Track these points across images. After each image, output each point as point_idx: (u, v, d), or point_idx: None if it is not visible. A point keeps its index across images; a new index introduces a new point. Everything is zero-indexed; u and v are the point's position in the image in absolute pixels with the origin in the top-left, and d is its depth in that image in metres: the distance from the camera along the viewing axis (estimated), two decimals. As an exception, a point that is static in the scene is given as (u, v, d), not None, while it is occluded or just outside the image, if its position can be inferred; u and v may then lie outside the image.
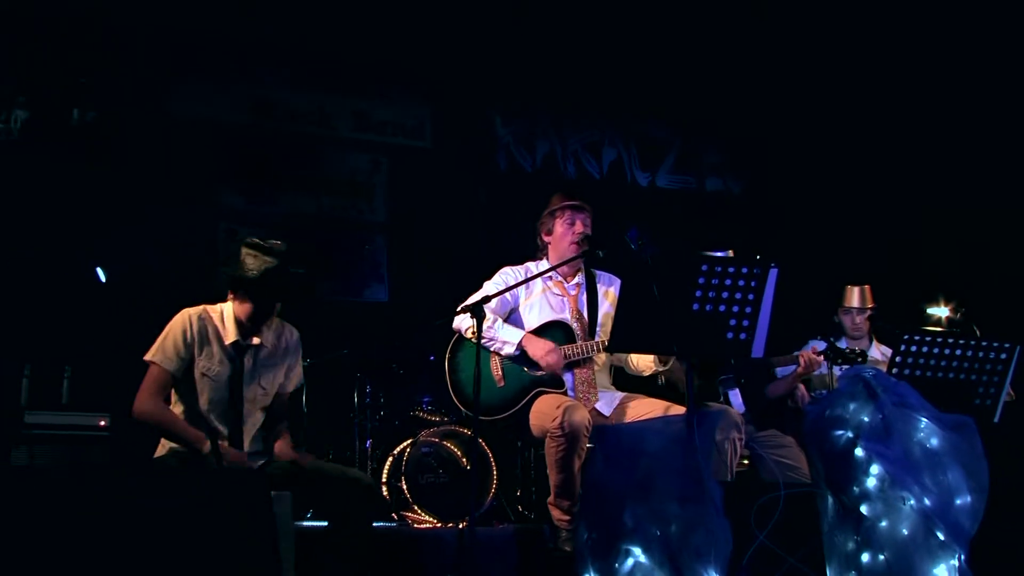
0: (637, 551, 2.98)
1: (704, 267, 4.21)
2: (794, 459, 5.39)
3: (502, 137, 8.87)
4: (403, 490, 6.50)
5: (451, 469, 6.75)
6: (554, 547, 4.91)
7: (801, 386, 6.37)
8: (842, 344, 6.26)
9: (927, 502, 3.00)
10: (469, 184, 8.53)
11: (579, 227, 5.29)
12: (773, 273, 4.27)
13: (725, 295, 4.22)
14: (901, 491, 3.03)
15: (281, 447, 4.56)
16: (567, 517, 4.83)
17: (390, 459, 6.74)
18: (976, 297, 6.39)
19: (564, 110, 9.04)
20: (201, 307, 4.55)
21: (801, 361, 5.97)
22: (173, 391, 4.50)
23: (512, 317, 5.33)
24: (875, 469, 3.09)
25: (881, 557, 3.08)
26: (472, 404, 5.04)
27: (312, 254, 8.02)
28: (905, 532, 3.05)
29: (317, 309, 4.78)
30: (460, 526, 6.46)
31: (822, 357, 5.90)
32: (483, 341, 5.07)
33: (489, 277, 5.47)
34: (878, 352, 6.43)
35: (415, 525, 6.44)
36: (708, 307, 4.22)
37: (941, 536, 2.98)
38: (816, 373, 6.25)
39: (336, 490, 4.30)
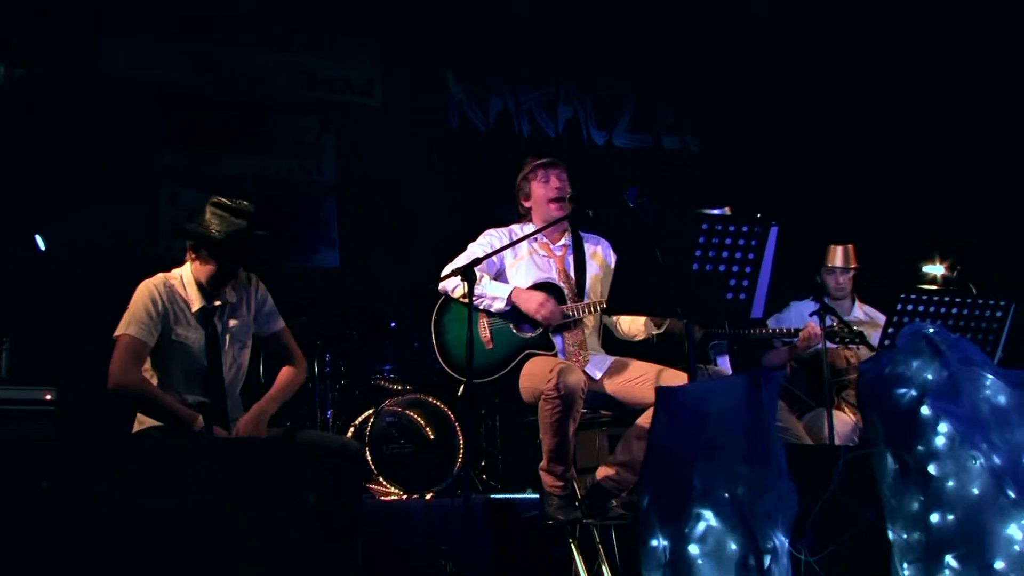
0: (708, 514, 2.96)
1: (704, 226, 4.23)
2: (785, 421, 5.46)
3: (454, 95, 8.74)
4: (367, 461, 6.42)
5: (416, 439, 6.70)
6: (543, 515, 4.91)
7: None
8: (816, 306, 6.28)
9: (996, 460, 3.02)
10: (421, 144, 8.41)
11: (555, 183, 5.28)
12: (773, 232, 4.31)
13: (725, 255, 4.27)
14: (971, 449, 3.06)
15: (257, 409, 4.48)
16: (560, 483, 4.81)
17: (352, 429, 6.66)
18: (971, 254, 6.46)
19: (518, 66, 8.92)
20: (160, 276, 4.41)
21: (802, 336, 6.03)
22: (150, 365, 4.36)
23: (499, 279, 5.27)
24: (943, 427, 3.09)
25: (951, 517, 3.09)
26: (460, 367, 5.03)
27: (274, 217, 7.92)
28: (975, 491, 3.06)
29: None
30: (427, 498, 6.44)
31: (818, 331, 5.92)
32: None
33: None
34: (860, 312, 6.47)
35: (380, 497, 6.40)
36: (708, 267, 4.26)
37: (1012, 494, 3.02)
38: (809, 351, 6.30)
39: (321, 460, 4.21)
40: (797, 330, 6.11)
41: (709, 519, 2.96)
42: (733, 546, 2.93)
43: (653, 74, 9.18)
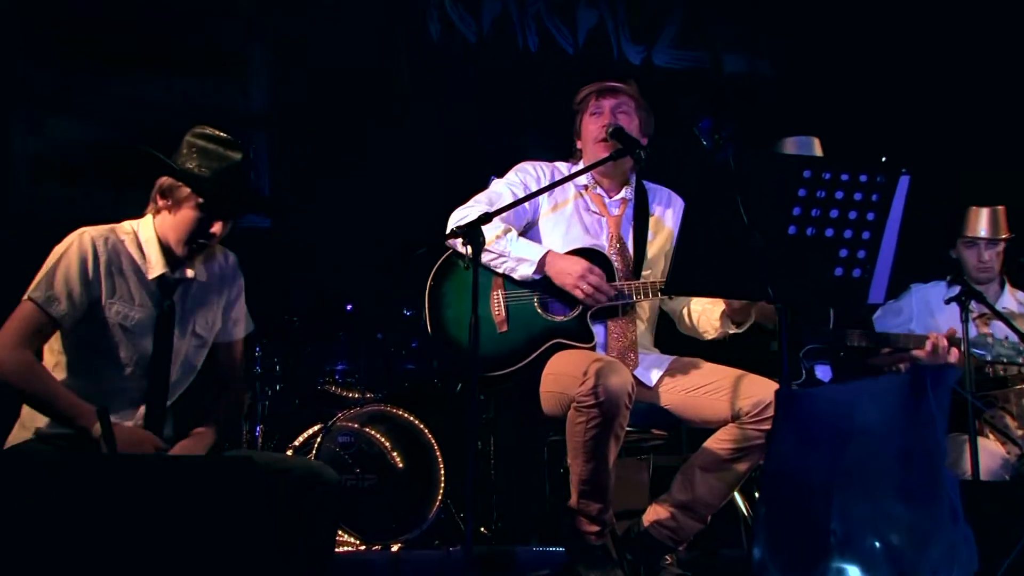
0: (853, 571, 2.93)
1: (807, 174, 4.19)
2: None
3: (436, -7, 8.73)
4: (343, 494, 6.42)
5: (378, 467, 6.74)
6: (569, 571, 4.89)
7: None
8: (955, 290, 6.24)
9: None
10: (387, 59, 8.38)
11: (607, 116, 5.22)
12: (903, 183, 4.27)
13: (835, 214, 4.23)
14: None
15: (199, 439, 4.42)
16: (596, 528, 4.79)
17: (289, 452, 6.66)
18: None
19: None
20: (107, 227, 4.34)
21: (928, 345, 5.94)
22: (64, 350, 4.29)
23: (528, 234, 5.24)
24: None
25: None
26: (460, 351, 4.99)
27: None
28: None
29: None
30: (394, 549, 6.44)
31: (953, 347, 5.85)
32: (488, 259, 4.98)
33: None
34: (1012, 300, 6.43)
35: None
36: (811, 230, 4.22)
37: None
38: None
39: (288, 489, 4.18)
40: (923, 336, 6.02)
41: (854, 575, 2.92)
42: (888, 617, 2.90)
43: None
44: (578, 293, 4.93)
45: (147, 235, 4.36)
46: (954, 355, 5.84)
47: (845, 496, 3.00)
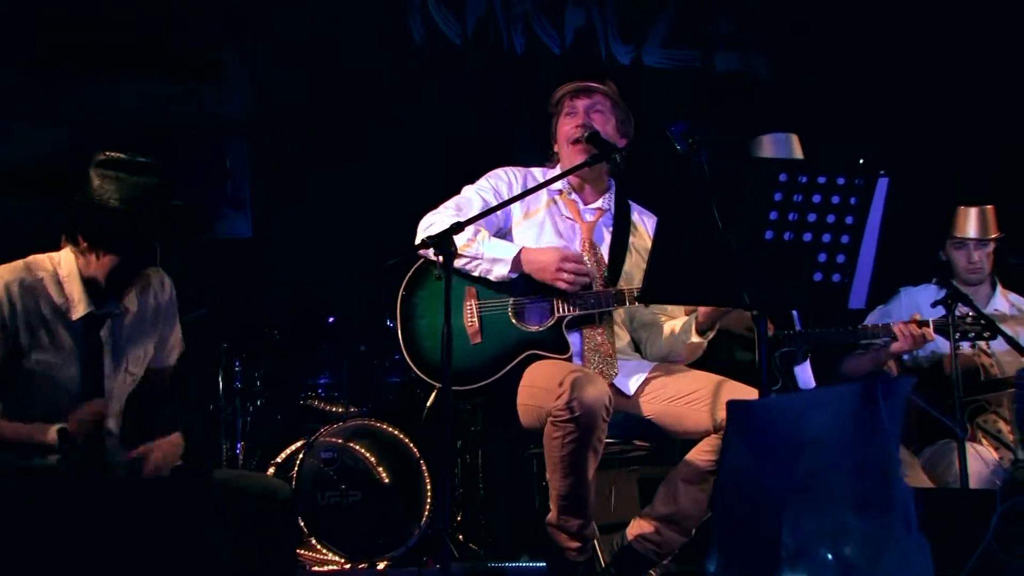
0: None
1: (783, 177, 4.21)
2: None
3: (418, -7, 8.73)
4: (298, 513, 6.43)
5: (362, 483, 6.73)
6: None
7: (891, 363, 6.38)
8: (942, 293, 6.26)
9: None
10: (370, 61, 8.37)
11: (581, 116, 5.24)
12: (882, 185, 4.30)
13: (813, 218, 4.23)
14: None
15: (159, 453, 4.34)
16: (576, 544, 4.79)
17: (272, 469, 6.69)
18: None
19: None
20: (22, 266, 4.20)
21: (898, 334, 5.97)
22: None
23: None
24: None
25: None
26: (433, 366, 4.98)
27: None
28: None
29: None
30: (380, 567, 6.45)
31: (930, 329, 5.90)
32: (462, 263, 4.98)
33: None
34: (1004, 302, 6.44)
35: (312, 567, 6.40)
36: (788, 235, 4.23)
37: None
38: (924, 352, 6.28)
39: (245, 508, 4.19)
40: (890, 325, 6.06)
41: (805, 588, 2.94)
42: (840, 629, 2.93)
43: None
44: (560, 284, 4.94)
45: (68, 271, 4.23)
46: (930, 333, 5.90)
47: (797, 508, 3.02)
